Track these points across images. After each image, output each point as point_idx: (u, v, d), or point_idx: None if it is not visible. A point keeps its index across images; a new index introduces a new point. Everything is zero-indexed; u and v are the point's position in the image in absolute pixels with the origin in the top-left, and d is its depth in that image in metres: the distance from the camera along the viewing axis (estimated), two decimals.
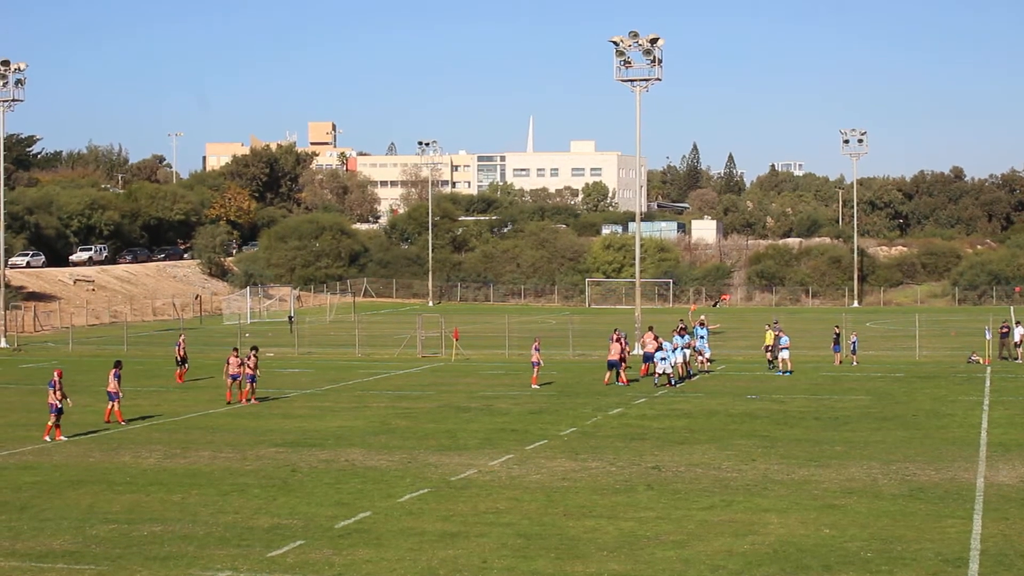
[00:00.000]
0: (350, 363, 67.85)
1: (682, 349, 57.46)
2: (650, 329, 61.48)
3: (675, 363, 55.98)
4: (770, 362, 62.00)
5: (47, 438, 40.14)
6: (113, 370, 44.54)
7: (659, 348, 56.07)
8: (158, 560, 24.32)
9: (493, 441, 39.31)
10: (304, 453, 37.24)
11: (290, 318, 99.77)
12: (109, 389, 44.16)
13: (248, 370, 49.95)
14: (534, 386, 54.58)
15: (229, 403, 49.84)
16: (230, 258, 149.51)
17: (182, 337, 62.37)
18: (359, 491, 31.18)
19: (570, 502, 29.53)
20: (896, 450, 36.65)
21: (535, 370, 55.64)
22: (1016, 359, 65.84)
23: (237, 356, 51.01)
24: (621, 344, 56.34)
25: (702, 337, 63.27)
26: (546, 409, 47.41)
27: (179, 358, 60.01)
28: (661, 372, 54.67)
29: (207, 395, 53.39)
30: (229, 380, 50.62)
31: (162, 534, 26.59)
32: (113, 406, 44.22)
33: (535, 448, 37.88)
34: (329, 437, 40.51)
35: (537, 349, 56.15)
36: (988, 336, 67.60)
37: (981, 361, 64.94)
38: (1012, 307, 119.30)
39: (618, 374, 55.51)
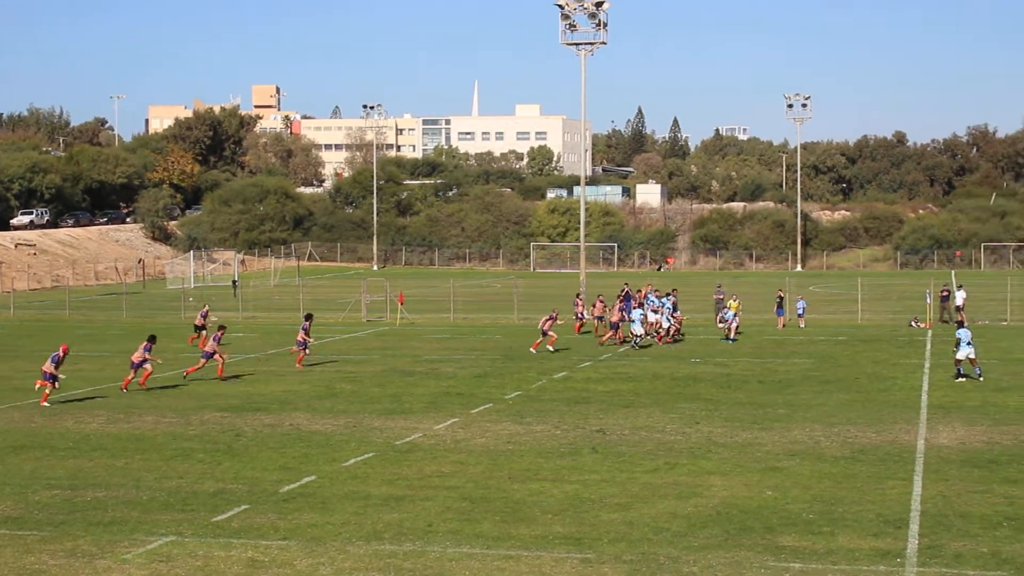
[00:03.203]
0: (294, 327, 67.45)
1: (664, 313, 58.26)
2: (599, 297, 61.89)
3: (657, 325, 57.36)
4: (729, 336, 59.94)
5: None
6: (145, 343, 43.65)
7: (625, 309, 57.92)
8: (102, 526, 24.23)
9: (438, 405, 39.40)
10: (248, 418, 37.18)
11: (234, 282, 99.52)
12: (134, 359, 43.38)
13: (302, 336, 49.75)
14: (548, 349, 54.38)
15: (186, 376, 47.27)
16: (173, 222, 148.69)
17: (206, 307, 61.97)
18: (304, 455, 31.17)
19: (515, 465, 29.65)
20: (838, 413, 37.01)
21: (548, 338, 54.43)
22: (957, 322, 66.44)
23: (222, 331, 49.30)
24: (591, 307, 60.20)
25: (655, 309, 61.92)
26: (491, 373, 47.54)
27: (198, 325, 59.29)
28: (637, 334, 55.28)
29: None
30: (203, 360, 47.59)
31: (106, 500, 26.48)
32: (133, 375, 43.46)
33: (480, 412, 37.99)
34: (274, 402, 40.47)
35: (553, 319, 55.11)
36: (929, 300, 68.29)
37: (922, 325, 65.59)
38: (953, 271, 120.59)
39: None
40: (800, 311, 66.00)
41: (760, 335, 60.76)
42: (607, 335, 57.60)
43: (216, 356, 46.47)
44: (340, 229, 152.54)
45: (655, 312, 57.93)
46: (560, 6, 76.06)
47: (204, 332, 57.81)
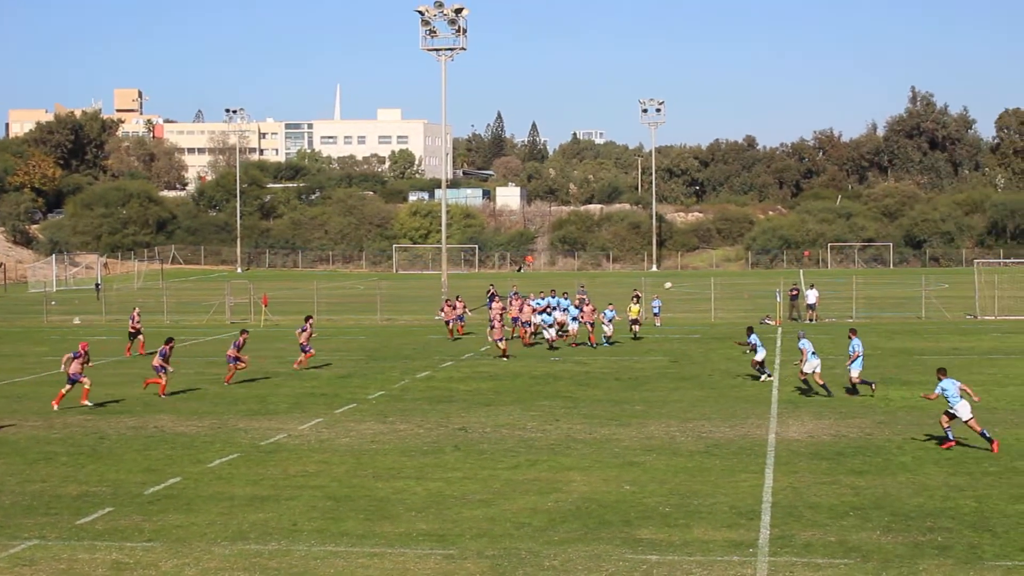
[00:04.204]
0: (159, 329, 67.12)
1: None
2: (457, 298, 62.37)
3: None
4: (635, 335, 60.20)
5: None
6: (164, 347, 42.08)
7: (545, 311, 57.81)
8: None
9: (302, 405, 39.59)
10: (112, 420, 37.05)
11: (97, 285, 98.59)
12: (154, 363, 42.01)
13: (303, 339, 49.01)
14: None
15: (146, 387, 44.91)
16: (35, 226, 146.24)
17: (136, 310, 59.52)
18: (168, 457, 31.22)
19: (379, 464, 30.01)
20: (693, 408, 37.90)
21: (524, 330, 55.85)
22: (807, 320, 68.09)
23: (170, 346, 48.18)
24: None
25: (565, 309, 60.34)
26: (354, 373, 47.81)
27: (132, 331, 56.98)
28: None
29: (11, 364, 52.53)
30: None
31: None
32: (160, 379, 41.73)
33: (344, 412, 38.27)
34: (137, 404, 40.33)
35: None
36: (779, 299, 69.89)
37: (773, 323, 67.08)
38: (801, 270, 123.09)
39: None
40: (656, 310, 67.10)
41: (617, 334, 61.55)
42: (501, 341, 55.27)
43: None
44: (204, 232, 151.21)
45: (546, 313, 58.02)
46: (420, 12, 76.46)
47: (140, 338, 56.23)
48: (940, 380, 31.53)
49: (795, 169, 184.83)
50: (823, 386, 39.94)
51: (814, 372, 40.13)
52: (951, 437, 31.13)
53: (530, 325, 57.42)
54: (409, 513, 25.10)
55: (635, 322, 60.10)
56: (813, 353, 40.18)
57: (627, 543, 22.72)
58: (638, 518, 24.44)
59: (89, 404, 39.40)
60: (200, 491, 27.30)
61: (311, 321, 50.39)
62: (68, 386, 39.40)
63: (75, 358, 39.56)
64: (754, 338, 43.87)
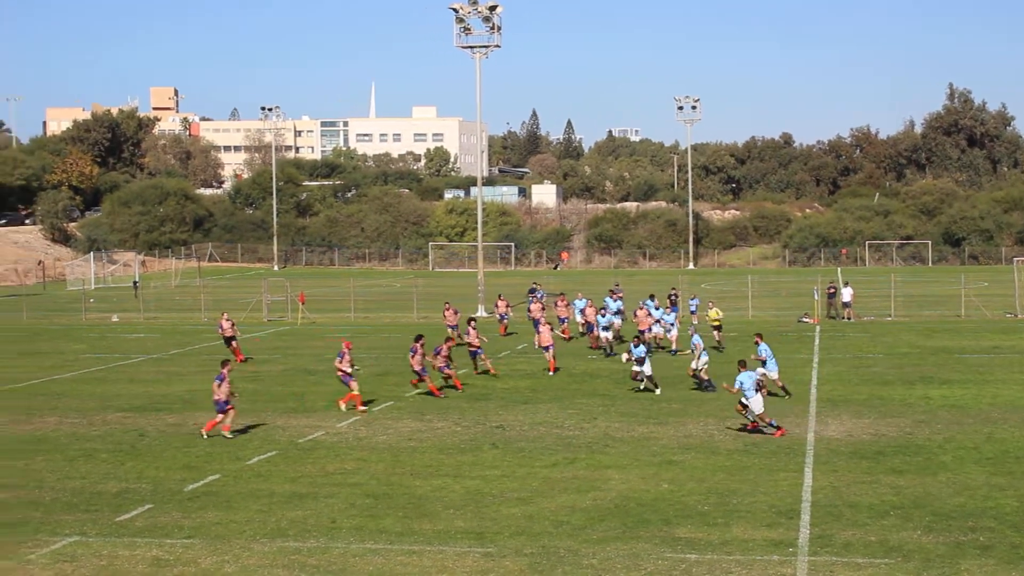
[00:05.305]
0: (196, 327, 67.50)
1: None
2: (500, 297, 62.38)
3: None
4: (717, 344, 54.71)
5: (343, 405, 38.33)
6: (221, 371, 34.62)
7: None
8: (5, 526, 24.30)
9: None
10: (152, 418, 37.24)
11: (135, 283, 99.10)
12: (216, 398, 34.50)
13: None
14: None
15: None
16: (73, 224, 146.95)
17: (224, 315, 53.92)
18: (207, 454, 31.36)
19: (417, 462, 30.06)
20: (731, 407, 37.54)
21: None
22: (844, 318, 67.80)
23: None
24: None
25: (604, 311, 56.37)
26: (392, 371, 47.84)
27: (225, 337, 52.63)
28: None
29: (51, 361, 52.83)
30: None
31: (8, 501, 26.53)
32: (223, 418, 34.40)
33: (382, 409, 38.34)
34: (176, 401, 40.52)
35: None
36: (816, 296, 69.59)
37: (810, 321, 66.80)
38: (839, 268, 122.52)
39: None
40: (693, 308, 66.84)
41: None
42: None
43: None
44: (240, 230, 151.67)
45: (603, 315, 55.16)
46: (455, 10, 76.45)
47: (235, 343, 52.32)
48: (739, 372, 33.47)
49: (832, 167, 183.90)
50: (708, 382, 41.10)
51: (702, 369, 41.25)
52: (751, 420, 33.38)
53: (594, 329, 54.77)
54: (447, 511, 25.12)
55: (718, 327, 54.88)
56: (704, 351, 41.76)
57: (666, 542, 22.70)
58: (677, 517, 24.40)
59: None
60: (239, 488, 27.42)
61: (422, 342, 41.68)
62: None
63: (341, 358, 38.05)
64: (763, 348, 40.77)
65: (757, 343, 40.54)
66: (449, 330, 56.37)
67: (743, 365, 34.18)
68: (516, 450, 31.44)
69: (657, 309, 56.16)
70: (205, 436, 33.55)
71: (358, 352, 54.41)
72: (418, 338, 41.19)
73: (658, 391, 40.82)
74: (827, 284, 72.49)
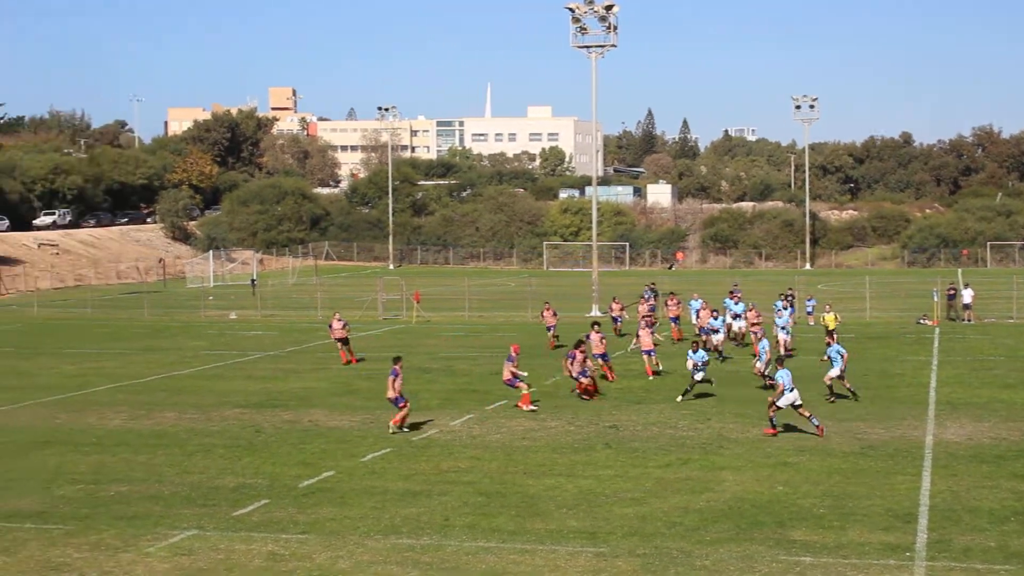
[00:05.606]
0: (312, 325, 68.14)
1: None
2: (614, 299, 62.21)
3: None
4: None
5: (525, 407, 37.60)
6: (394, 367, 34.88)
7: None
8: (125, 520, 24.71)
9: (454, 401, 39.83)
10: (268, 414, 37.67)
11: (253, 281, 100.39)
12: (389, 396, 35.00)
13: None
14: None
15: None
16: (193, 222, 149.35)
17: (336, 315, 53.49)
18: (322, 451, 31.64)
19: (530, 461, 30.08)
20: (847, 409, 37.33)
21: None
22: (964, 320, 66.75)
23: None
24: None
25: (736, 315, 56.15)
26: None
27: (339, 339, 51.64)
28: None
29: (171, 358, 53.67)
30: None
31: (128, 494, 26.98)
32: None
33: (495, 408, 38.42)
34: (292, 398, 40.95)
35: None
36: (936, 298, 68.56)
37: (929, 322, 65.85)
38: (959, 269, 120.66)
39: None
40: (809, 309, 66.26)
41: (768, 333, 60.79)
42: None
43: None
44: (356, 229, 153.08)
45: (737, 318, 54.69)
46: (571, 9, 76.42)
47: (347, 345, 51.35)
48: (777, 370, 33.39)
49: (953, 166, 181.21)
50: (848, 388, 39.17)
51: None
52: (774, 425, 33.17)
53: (707, 332, 52.74)
54: (560, 510, 25.11)
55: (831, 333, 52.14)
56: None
57: (780, 544, 22.50)
58: (792, 519, 24.18)
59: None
60: (353, 485, 27.63)
61: (582, 348, 40.72)
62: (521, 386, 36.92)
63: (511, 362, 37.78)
64: (833, 349, 39.48)
65: (829, 344, 39.97)
66: (548, 332, 56.21)
67: (781, 363, 34.20)
68: (629, 450, 31.35)
69: (737, 304, 55.85)
70: (392, 431, 33.84)
71: (472, 350, 54.79)
72: (578, 344, 40.47)
73: (713, 391, 40.23)
74: (947, 286, 71.42)
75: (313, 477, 28.43)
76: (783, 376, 32.81)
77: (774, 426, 33.46)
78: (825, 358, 39.30)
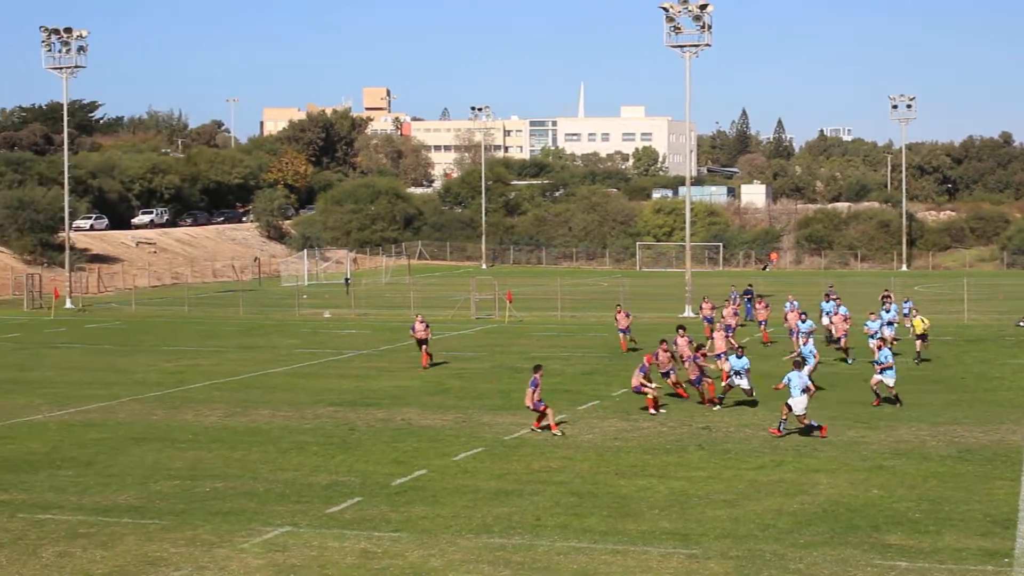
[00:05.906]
0: (405, 324, 68.33)
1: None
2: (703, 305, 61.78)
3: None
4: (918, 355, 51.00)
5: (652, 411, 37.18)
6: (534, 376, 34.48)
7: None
8: (220, 515, 24.99)
9: (546, 401, 39.69)
10: (361, 412, 37.91)
11: (347, 280, 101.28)
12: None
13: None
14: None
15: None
16: (287, 221, 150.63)
17: (419, 318, 51.59)
18: (415, 449, 31.79)
19: (622, 461, 30.02)
20: (944, 412, 36.89)
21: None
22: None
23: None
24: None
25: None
26: (598, 370, 47.90)
27: (419, 340, 50.31)
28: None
29: (265, 355, 54.17)
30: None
31: (224, 490, 27.28)
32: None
33: (587, 408, 38.39)
34: (385, 397, 41.17)
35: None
36: None
37: None
38: None
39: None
40: (907, 311, 65.45)
41: (864, 335, 60.19)
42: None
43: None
44: (449, 228, 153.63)
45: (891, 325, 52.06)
46: (665, 9, 76.16)
47: (425, 347, 50.10)
48: (792, 371, 33.64)
49: None
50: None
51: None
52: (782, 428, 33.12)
53: (794, 335, 51.76)
54: (652, 511, 25.04)
55: (922, 337, 51.10)
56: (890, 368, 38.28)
57: (875, 548, 22.28)
58: (887, 523, 23.94)
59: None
60: (445, 484, 27.72)
61: (703, 351, 40.10)
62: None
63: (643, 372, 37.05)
64: (882, 353, 38.81)
65: (879, 347, 39.42)
66: (620, 335, 55.68)
67: (797, 365, 34.44)
68: (722, 452, 31.19)
69: (839, 307, 54.15)
70: (556, 434, 33.69)
71: (564, 350, 54.76)
72: (698, 348, 39.86)
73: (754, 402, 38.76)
74: None
75: (406, 476, 28.56)
76: (793, 379, 32.91)
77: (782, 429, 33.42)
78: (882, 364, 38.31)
